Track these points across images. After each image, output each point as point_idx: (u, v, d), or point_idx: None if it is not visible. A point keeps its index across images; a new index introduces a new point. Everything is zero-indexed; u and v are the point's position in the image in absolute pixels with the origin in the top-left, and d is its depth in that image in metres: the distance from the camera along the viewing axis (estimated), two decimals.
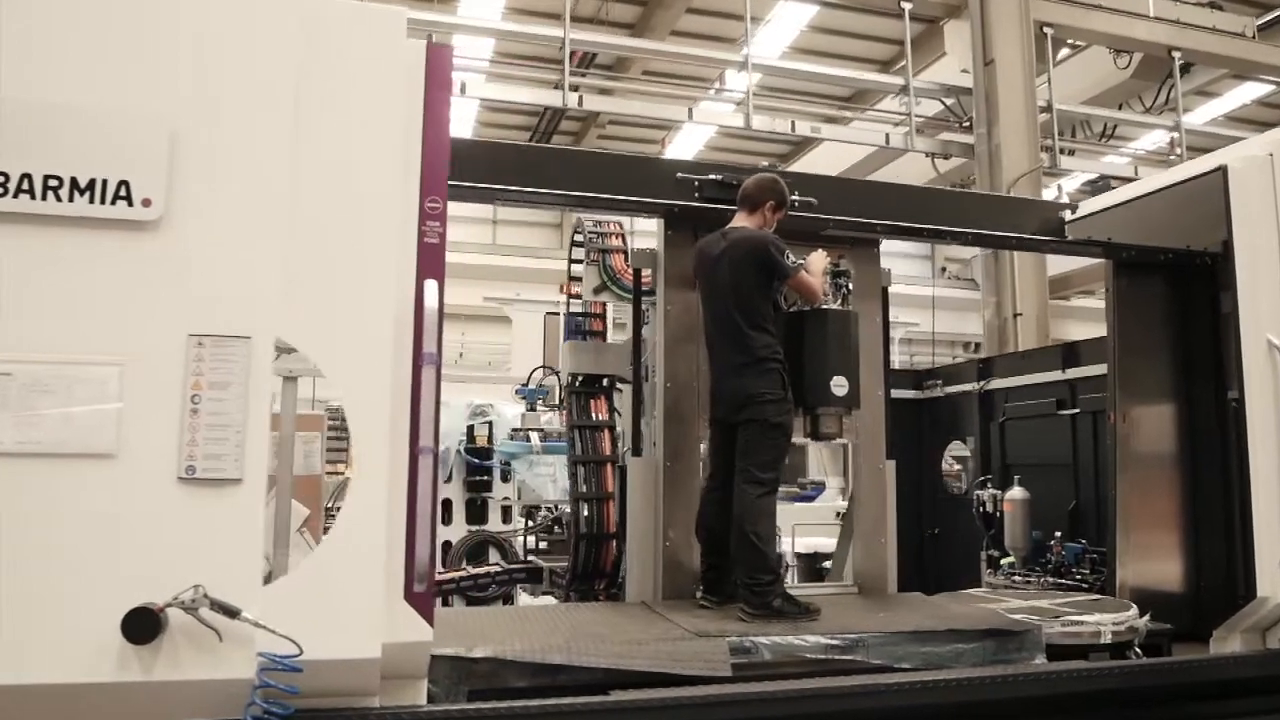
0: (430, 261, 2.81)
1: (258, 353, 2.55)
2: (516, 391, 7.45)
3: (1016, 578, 5.88)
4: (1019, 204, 5.36)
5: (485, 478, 7.64)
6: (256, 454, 2.52)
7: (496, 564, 6.33)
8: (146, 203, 2.52)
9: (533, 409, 7.03)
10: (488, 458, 7.50)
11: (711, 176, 4.22)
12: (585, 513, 4.90)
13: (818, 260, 4.11)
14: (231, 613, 2.41)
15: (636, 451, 4.44)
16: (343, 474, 7.78)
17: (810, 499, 10.60)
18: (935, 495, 7.24)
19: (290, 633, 2.46)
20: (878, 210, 4.55)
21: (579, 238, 5.12)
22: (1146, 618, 3.95)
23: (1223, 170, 3.95)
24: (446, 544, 7.72)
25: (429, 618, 2.71)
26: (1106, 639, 3.73)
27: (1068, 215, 4.70)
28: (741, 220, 4.00)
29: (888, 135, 9.54)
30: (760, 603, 3.62)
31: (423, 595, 2.71)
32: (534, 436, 7.01)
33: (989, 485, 6.47)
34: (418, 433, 2.69)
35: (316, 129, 2.68)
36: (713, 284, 3.96)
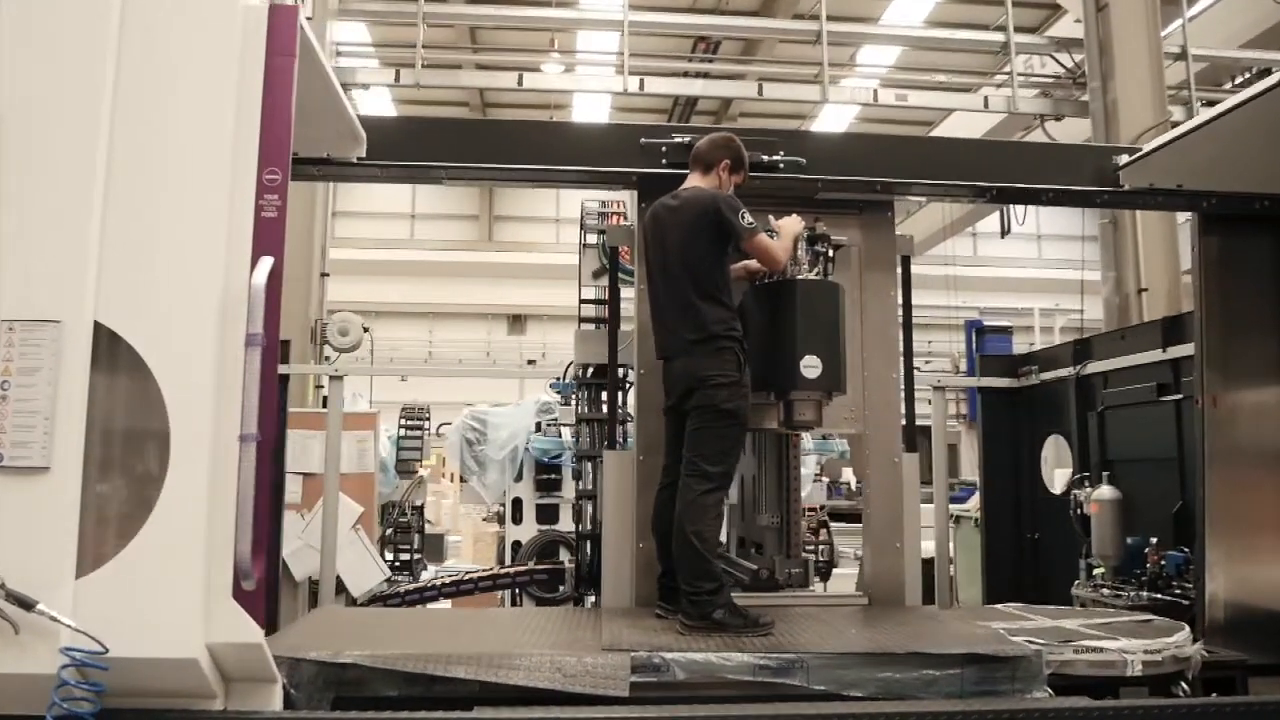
0: (268, 237, 2.63)
1: (70, 337, 2.45)
2: (551, 385, 7.25)
3: (1105, 590, 5.06)
4: (1060, 152, 4.59)
5: (554, 476, 7.48)
6: (68, 442, 2.42)
7: (512, 566, 6.14)
8: None
9: (567, 403, 6.80)
10: (556, 455, 7.33)
11: (676, 140, 3.83)
12: (590, 511, 4.63)
13: (790, 225, 3.63)
14: (27, 605, 2.31)
15: (612, 445, 4.11)
16: (417, 473, 7.85)
17: (961, 500, 9.77)
18: (1035, 495, 6.40)
19: (103, 629, 2.35)
20: (884, 168, 3.99)
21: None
22: (1199, 645, 3.21)
23: None
24: (516, 544, 7.63)
25: (259, 617, 2.52)
26: (1135, 670, 3.04)
27: (1123, 160, 3.93)
28: (695, 182, 3.58)
29: (986, 99, 8.55)
30: (699, 614, 3.19)
31: (253, 594, 2.53)
32: (565, 432, 6.77)
33: (1087, 483, 5.62)
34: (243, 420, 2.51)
35: (137, 98, 2.55)
36: (663, 251, 3.56)
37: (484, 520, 8.16)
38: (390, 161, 3.76)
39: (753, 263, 3.70)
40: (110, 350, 2.48)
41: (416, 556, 7.68)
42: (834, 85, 8.31)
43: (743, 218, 3.41)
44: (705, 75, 14.50)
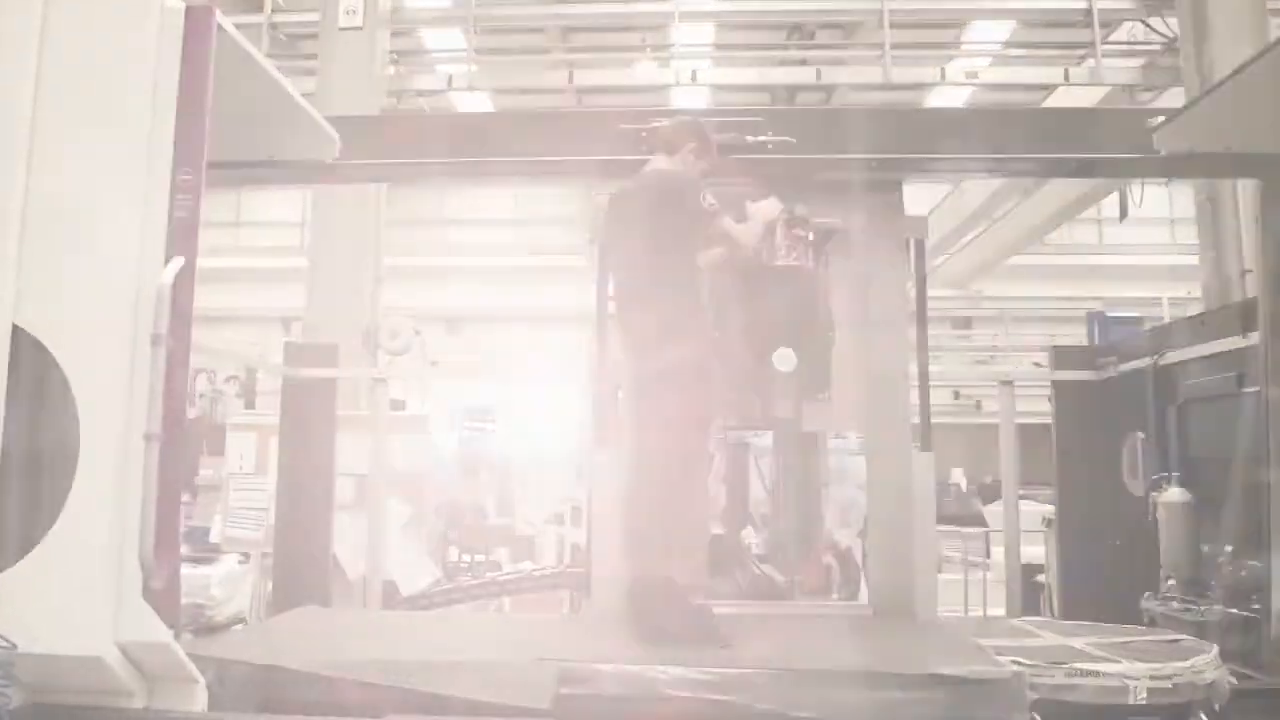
0: (180, 238, 2.63)
1: None
2: None
3: (1175, 604, 4.53)
4: (1087, 117, 4.13)
5: None
6: None
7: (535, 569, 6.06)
8: None
9: None
10: None
11: (656, 125, 3.65)
12: None
13: (765, 209, 3.39)
14: None
15: (604, 446, 3.95)
16: (479, 474, 7.90)
17: None
18: (1117, 499, 5.82)
19: (15, 627, 2.40)
20: (891, 144, 3.69)
21: None
22: (1223, 669, 2.79)
23: None
24: (576, 545, 7.58)
25: (169, 616, 2.52)
26: (1139, 697, 2.66)
27: (1157, 122, 3.49)
28: (658, 165, 3.39)
29: (1067, 71, 7.81)
30: (654, 624, 3.01)
31: (163, 593, 2.53)
32: None
33: (1165, 486, 5.06)
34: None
35: (55, 98, 2.58)
36: (624, 238, 3.38)
37: (545, 522, 8.18)
38: (367, 160, 3.74)
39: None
40: (23, 350, 2.54)
41: (479, 557, 7.74)
42: (897, 66, 7.85)
43: (704, 199, 3.20)
44: (804, 63, 14.10)
